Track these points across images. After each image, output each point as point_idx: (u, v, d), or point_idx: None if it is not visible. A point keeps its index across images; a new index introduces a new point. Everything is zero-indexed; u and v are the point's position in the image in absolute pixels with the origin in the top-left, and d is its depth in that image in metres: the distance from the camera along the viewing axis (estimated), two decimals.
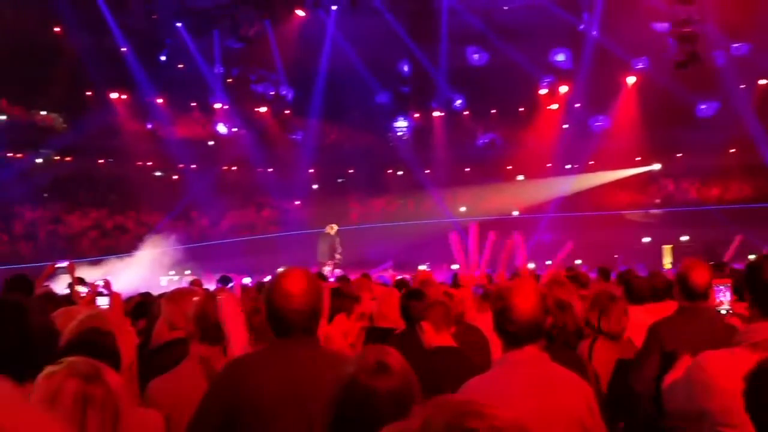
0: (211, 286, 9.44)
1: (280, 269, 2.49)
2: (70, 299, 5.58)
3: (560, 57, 21.18)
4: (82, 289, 5.59)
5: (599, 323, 4.10)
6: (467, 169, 23.26)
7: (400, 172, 23.48)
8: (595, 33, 20.83)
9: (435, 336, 3.57)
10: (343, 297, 4.89)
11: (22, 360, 2.02)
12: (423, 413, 0.95)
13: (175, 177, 22.37)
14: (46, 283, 6.55)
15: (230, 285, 8.43)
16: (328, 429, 1.73)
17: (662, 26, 21.13)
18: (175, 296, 3.96)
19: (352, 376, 1.75)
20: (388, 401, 1.70)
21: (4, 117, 20.24)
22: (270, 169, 22.48)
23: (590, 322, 4.15)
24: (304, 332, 2.36)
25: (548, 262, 19.20)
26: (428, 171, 22.65)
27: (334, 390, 1.76)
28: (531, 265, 18.97)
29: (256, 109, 22.02)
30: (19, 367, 1.99)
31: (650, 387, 3.41)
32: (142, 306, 5.98)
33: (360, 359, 1.81)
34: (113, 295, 4.81)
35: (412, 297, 4.24)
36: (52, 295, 5.82)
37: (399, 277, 9.68)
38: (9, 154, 20.66)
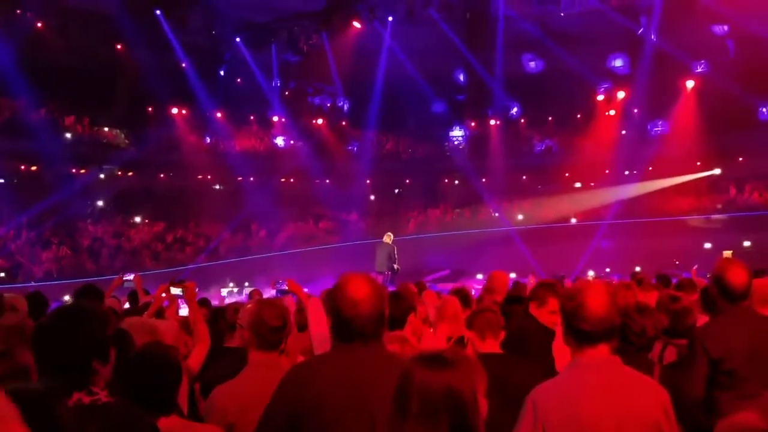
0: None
1: (343, 276, 2.46)
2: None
3: (618, 62, 21.07)
4: (175, 291, 5.58)
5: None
6: (524, 177, 23.13)
7: (456, 182, 23.42)
8: (653, 37, 20.65)
9: (481, 344, 3.53)
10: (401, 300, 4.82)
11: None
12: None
13: (234, 190, 22.56)
14: (114, 295, 6.68)
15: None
16: (390, 423, 1.74)
17: (721, 29, 20.94)
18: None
19: (406, 370, 1.77)
20: (441, 394, 1.70)
21: (69, 134, 20.67)
22: (327, 181, 22.61)
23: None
24: (369, 337, 2.34)
25: (608, 270, 19.11)
26: (485, 180, 22.55)
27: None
28: (591, 273, 18.73)
29: (313, 121, 22.21)
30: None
31: (698, 392, 3.35)
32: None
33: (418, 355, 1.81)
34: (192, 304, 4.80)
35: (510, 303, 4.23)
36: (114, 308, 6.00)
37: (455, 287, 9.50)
38: (73, 170, 21.06)
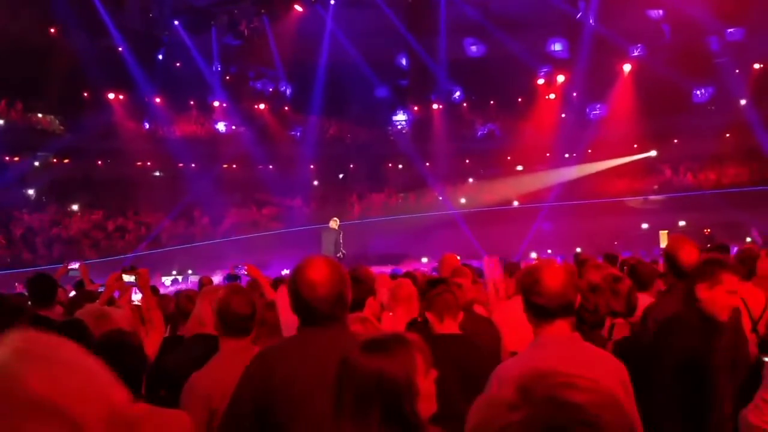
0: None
1: (303, 259, 2.48)
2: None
3: (557, 46, 21.38)
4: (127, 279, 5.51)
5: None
6: (467, 161, 23.33)
7: (400, 166, 23.50)
8: (591, 21, 21.01)
9: (439, 326, 3.55)
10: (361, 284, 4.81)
11: None
12: (519, 383, 0.91)
13: (175, 176, 22.18)
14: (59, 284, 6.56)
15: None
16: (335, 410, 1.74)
17: (657, 13, 21.43)
18: (208, 293, 3.96)
19: (344, 357, 1.77)
20: (372, 380, 1.70)
21: (1, 121, 19.98)
22: (270, 166, 22.39)
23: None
24: (331, 319, 2.35)
25: (549, 251, 19.48)
26: (428, 164, 22.68)
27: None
28: (533, 255, 19.03)
29: (255, 106, 21.93)
30: None
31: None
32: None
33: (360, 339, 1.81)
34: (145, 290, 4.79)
35: (432, 286, 4.21)
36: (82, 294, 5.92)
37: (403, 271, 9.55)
38: (6, 158, 20.39)
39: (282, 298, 3.22)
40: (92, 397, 0.76)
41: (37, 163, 21.26)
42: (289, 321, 2.94)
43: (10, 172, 20.03)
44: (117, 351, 2.57)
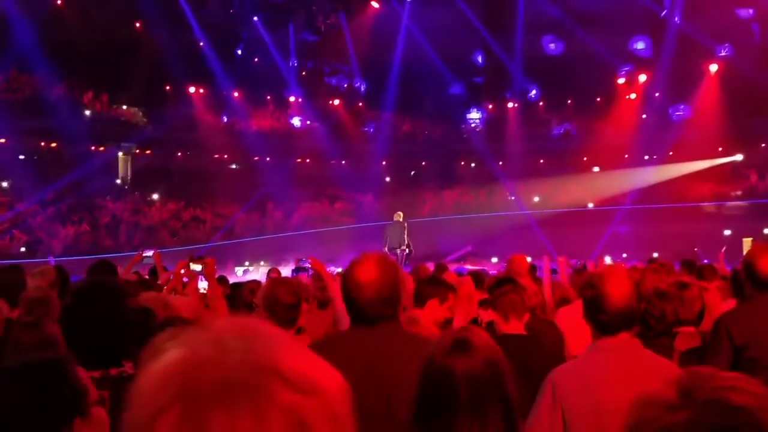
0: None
1: (357, 257, 2.45)
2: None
3: (640, 45, 20.77)
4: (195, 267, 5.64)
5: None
6: (541, 161, 22.95)
7: (473, 164, 23.31)
8: (677, 19, 20.31)
9: (504, 325, 3.50)
10: (439, 285, 4.76)
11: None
12: (680, 384, 0.88)
13: (250, 169, 22.59)
14: (134, 270, 6.75)
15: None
16: (414, 409, 1.72)
17: (746, 12, 20.55)
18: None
19: (430, 356, 1.74)
20: (464, 381, 1.67)
21: (88, 112, 20.76)
22: (343, 162, 22.57)
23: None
24: (379, 319, 2.32)
25: (624, 255, 18.96)
26: (501, 162, 22.41)
27: (418, 371, 1.75)
28: (607, 258, 18.62)
29: (329, 102, 22.12)
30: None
31: None
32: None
33: (440, 339, 1.79)
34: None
35: (498, 285, 4.12)
36: (140, 281, 6.06)
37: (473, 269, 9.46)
38: (92, 148, 21.18)
39: (338, 294, 3.29)
40: (335, 381, 0.73)
41: (121, 154, 22.02)
42: (345, 316, 2.97)
43: (95, 162, 20.78)
44: None
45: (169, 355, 0.68)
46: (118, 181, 22.09)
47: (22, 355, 2.20)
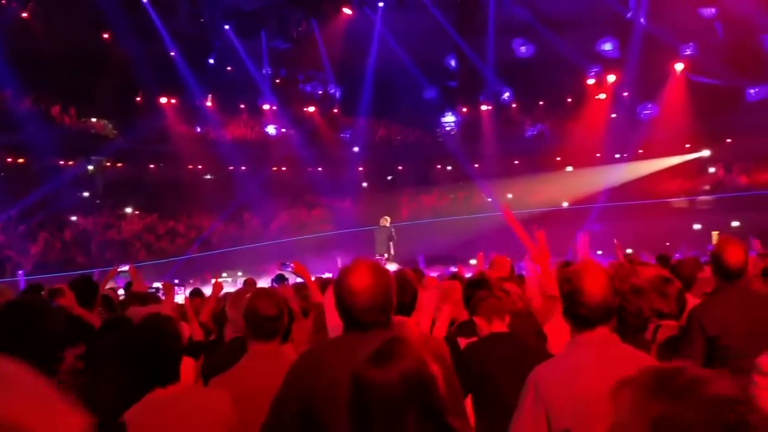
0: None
1: (349, 263, 2.44)
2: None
3: (607, 46, 21.18)
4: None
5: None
6: (516, 162, 23.20)
7: (449, 167, 23.45)
8: (642, 20, 20.79)
9: (488, 327, 3.61)
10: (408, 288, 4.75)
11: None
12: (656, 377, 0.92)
13: (226, 179, 22.34)
14: (109, 286, 6.72)
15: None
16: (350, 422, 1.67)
17: (709, 11, 21.15)
18: (237, 298, 3.90)
19: (354, 366, 1.70)
20: (377, 393, 1.63)
21: (56, 125, 20.26)
22: (320, 168, 22.48)
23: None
24: (373, 326, 2.32)
25: (599, 252, 19.24)
26: (477, 165, 22.60)
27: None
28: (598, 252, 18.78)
29: (304, 109, 22.05)
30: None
31: None
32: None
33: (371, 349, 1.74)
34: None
35: (474, 287, 4.08)
36: (111, 297, 6.11)
37: (454, 270, 9.43)
38: (61, 162, 20.68)
39: (329, 301, 3.27)
40: (58, 420, 0.70)
41: (91, 167, 21.53)
42: (335, 323, 2.96)
43: (65, 176, 20.28)
44: (153, 333, 2.65)
45: None
46: (86, 194, 21.59)
47: None
